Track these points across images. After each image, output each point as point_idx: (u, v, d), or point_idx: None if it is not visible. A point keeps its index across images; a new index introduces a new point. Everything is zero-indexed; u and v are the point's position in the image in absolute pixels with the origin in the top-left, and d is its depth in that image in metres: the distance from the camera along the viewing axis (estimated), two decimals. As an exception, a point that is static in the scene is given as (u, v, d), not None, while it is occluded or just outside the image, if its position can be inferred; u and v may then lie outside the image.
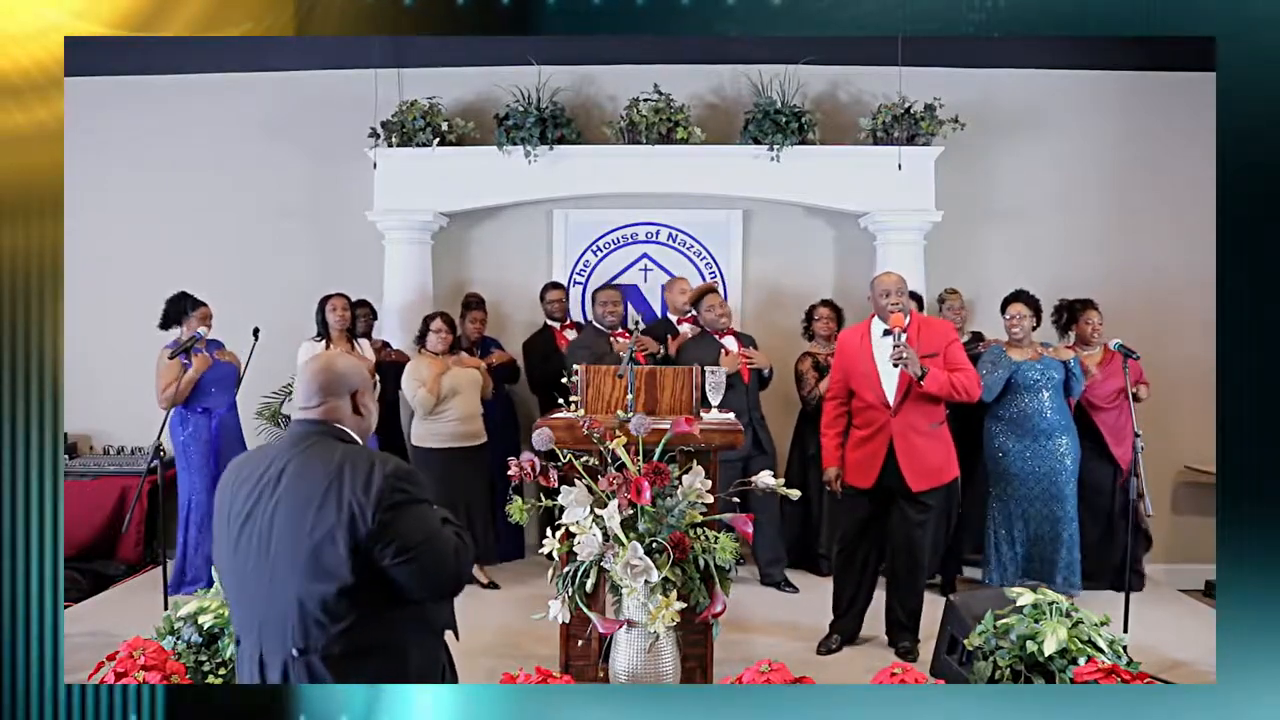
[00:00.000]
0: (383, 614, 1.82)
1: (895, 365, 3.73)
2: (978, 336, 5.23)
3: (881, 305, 3.87)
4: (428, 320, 4.89)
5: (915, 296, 4.96)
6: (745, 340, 4.98)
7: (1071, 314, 4.97)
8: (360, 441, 1.96)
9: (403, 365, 4.95)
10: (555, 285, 5.59)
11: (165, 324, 4.75)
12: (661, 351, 4.95)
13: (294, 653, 1.77)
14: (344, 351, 4.76)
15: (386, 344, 5.36)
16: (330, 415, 1.93)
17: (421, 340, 4.87)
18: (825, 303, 5.23)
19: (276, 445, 1.95)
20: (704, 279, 5.74)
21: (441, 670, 2.01)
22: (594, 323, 5.22)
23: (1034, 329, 4.72)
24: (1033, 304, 4.72)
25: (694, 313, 5.14)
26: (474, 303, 5.46)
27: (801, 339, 5.27)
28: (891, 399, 3.82)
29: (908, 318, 3.84)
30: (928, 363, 3.75)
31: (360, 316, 5.26)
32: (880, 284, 3.91)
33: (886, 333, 3.81)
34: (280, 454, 1.89)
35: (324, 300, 4.98)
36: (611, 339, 5.00)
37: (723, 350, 4.81)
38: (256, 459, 1.94)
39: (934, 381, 3.73)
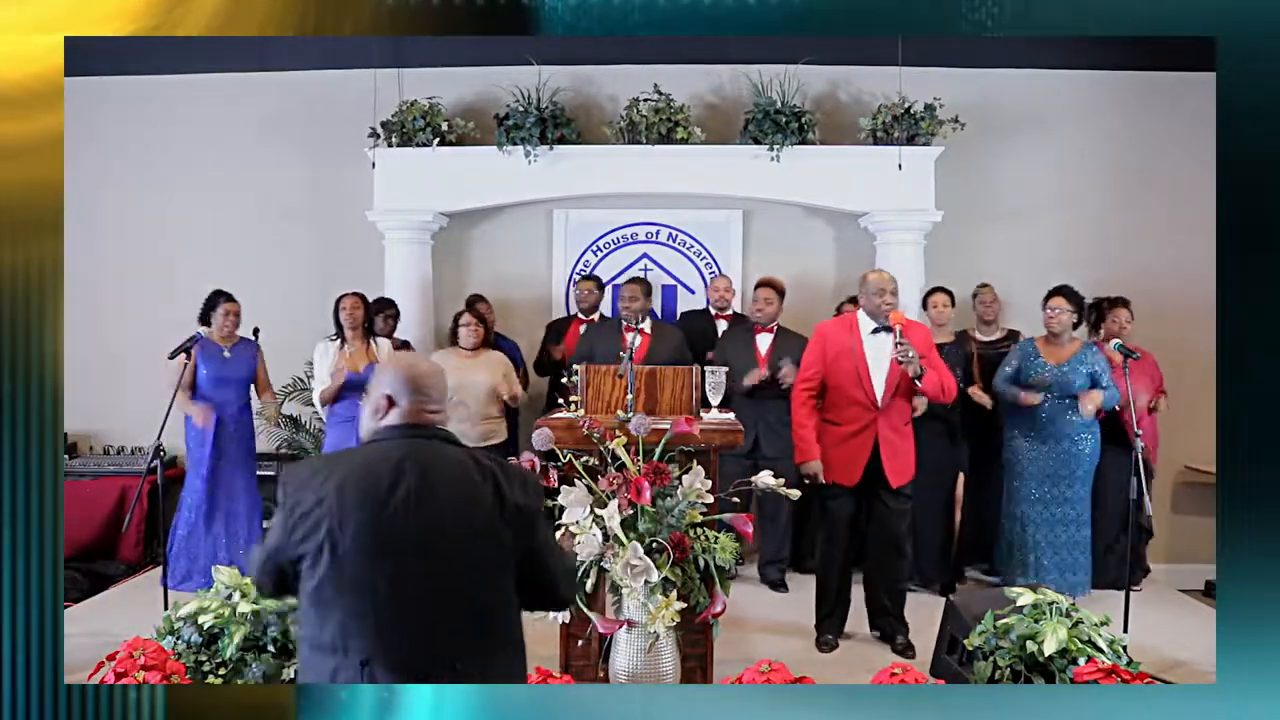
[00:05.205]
0: (515, 610, 1.85)
1: (901, 363, 3.72)
2: (1014, 335, 5.09)
3: (875, 304, 3.82)
4: (456, 316, 4.91)
5: (946, 292, 4.95)
6: (788, 344, 4.82)
7: (1100, 313, 4.89)
8: None
9: None
10: (589, 277, 5.53)
11: (202, 320, 4.76)
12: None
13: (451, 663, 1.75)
14: (362, 350, 4.78)
15: (406, 343, 5.34)
16: (444, 420, 1.92)
17: (453, 337, 4.88)
18: (852, 300, 5.14)
19: (397, 449, 1.80)
20: (704, 279, 5.74)
21: None
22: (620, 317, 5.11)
23: (1075, 326, 4.60)
24: (1075, 300, 4.57)
25: (732, 311, 5.18)
26: (476, 299, 5.46)
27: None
28: (880, 397, 3.82)
29: None
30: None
31: (384, 316, 5.24)
32: (875, 282, 3.85)
33: (876, 331, 3.81)
34: (412, 458, 1.78)
35: (339, 299, 4.98)
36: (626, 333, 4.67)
37: (754, 348, 4.81)
38: (379, 463, 1.79)
39: (929, 381, 3.77)
